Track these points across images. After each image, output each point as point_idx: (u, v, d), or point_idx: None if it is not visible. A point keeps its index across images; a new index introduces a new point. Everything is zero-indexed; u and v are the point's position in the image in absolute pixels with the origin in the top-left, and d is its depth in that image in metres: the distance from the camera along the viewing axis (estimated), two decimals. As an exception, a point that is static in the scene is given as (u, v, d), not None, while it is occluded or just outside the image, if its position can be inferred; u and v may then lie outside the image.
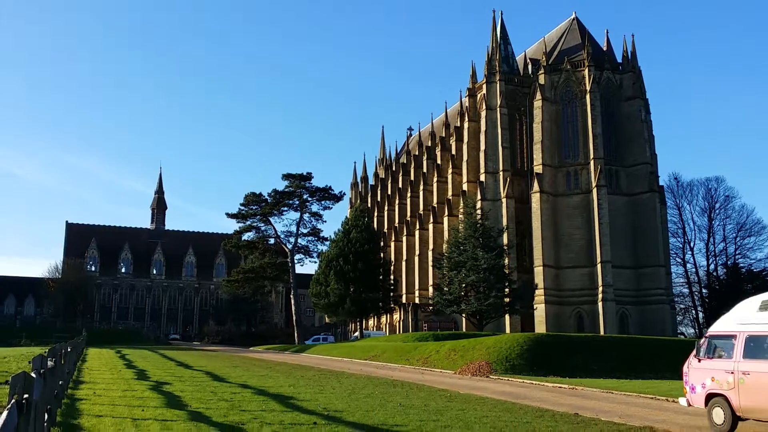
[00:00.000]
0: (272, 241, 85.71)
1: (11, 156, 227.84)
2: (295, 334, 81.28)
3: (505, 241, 68.19)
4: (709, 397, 14.18)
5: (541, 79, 78.90)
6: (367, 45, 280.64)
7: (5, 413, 5.76)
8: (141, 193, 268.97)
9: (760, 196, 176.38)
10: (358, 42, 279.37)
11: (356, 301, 68.12)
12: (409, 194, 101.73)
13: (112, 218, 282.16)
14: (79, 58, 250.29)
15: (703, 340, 15.33)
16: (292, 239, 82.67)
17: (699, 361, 14.90)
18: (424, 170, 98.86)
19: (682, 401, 15.58)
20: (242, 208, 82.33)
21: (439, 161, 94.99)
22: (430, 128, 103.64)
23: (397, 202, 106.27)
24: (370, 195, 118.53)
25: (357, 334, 76.47)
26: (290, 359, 46.13)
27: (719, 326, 14.96)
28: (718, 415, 13.80)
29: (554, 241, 74.65)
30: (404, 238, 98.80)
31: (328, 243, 79.02)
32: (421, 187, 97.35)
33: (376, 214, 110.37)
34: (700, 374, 14.65)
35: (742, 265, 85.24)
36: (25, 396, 6.68)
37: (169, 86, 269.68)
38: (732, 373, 13.63)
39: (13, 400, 6.24)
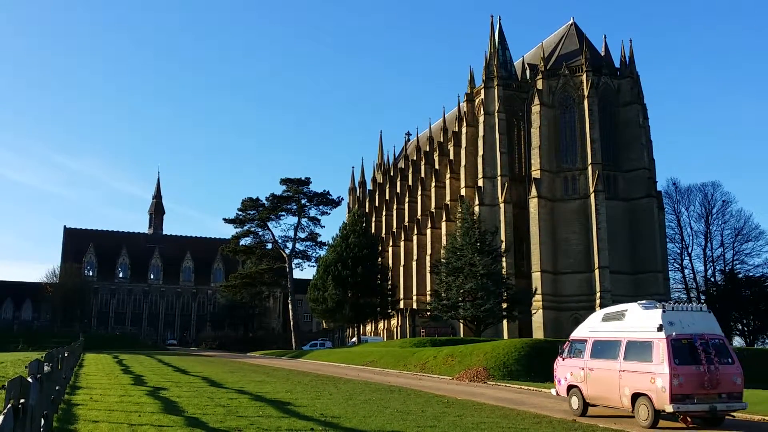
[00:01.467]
0: (270, 246, 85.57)
1: (8, 159, 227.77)
2: (293, 340, 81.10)
3: (503, 246, 68.16)
4: (569, 388, 18.22)
5: (539, 85, 79.03)
6: (365, 50, 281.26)
7: (1, 418, 5.74)
8: (139, 198, 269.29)
9: (758, 200, 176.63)
10: (356, 47, 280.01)
11: (354, 306, 68.01)
12: (407, 199, 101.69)
13: (110, 223, 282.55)
14: (76, 61, 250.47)
15: (566, 343, 19.24)
16: (289, 244, 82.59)
17: (563, 359, 18.84)
18: (422, 175, 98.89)
19: (553, 392, 19.74)
20: (240, 213, 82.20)
21: (437, 166, 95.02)
22: (428, 133, 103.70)
23: (395, 207, 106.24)
24: (368, 200, 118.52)
25: (354, 339, 76.33)
26: (287, 365, 46.01)
27: (577, 332, 19.10)
28: (575, 402, 17.88)
29: (552, 246, 74.65)
30: (402, 244, 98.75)
31: (326, 248, 78.93)
32: (419, 192, 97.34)
33: (374, 219, 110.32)
34: (564, 370, 18.64)
35: (739, 270, 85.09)
36: (21, 401, 6.66)
37: (167, 91, 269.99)
38: (583, 369, 17.66)
39: (9, 405, 6.22)
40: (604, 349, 17.27)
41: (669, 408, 14.95)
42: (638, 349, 16.08)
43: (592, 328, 18.42)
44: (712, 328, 16.18)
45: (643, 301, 17.73)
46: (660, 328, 15.69)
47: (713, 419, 15.81)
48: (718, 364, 15.32)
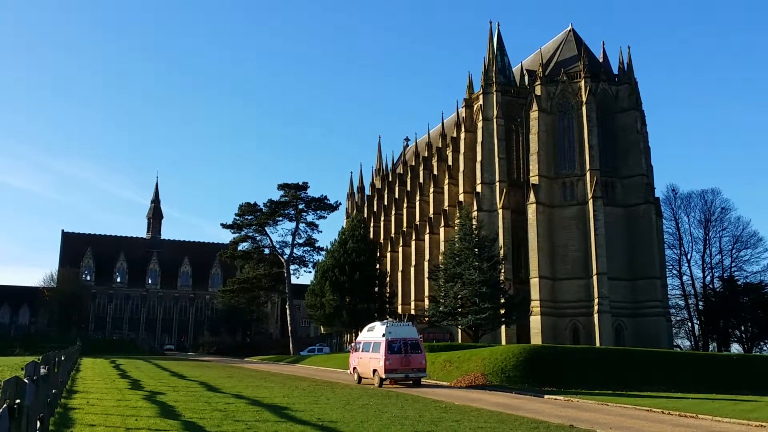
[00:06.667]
0: (268, 251, 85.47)
1: (5, 164, 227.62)
2: (291, 345, 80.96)
3: (501, 252, 68.04)
4: (354, 369, 32.08)
5: (538, 91, 79.05)
6: (364, 55, 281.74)
7: (-3, 418, 5.70)
8: (137, 203, 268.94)
9: (756, 207, 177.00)
10: (354, 52, 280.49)
11: (352, 311, 67.93)
12: (405, 204, 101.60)
13: (108, 227, 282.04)
14: (73, 64, 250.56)
15: (354, 342, 34.13)
16: (287, 249, 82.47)
17: (352, 352, 33.26)
18: (421, 180, 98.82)
19: (348, 371, 34.46)
20: (237, 218, 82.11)
21: (435, 172, 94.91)
22: (426, 138, 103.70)
23: (393, 212, 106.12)
24: (366, 205, 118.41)
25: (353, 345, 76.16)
26: (285, 370, 45.95)
27: (359, 337, 33.66)
28: (356, 376, 31.62)
29: (550, 252, 74.53)
30: (400, 249, 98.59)
31: (323, 253, 78.88)
32: (418, 198, 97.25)
33: (372, 224, 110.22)
34: (352, 359, 32.76)
35: (738, 277, 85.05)
36: (17, 401, 6.61)
37: (165, 95, 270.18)
38: (359, 358, 31.60)
39: (5, 405, 6.17)
40: (366, 346, 31.04)
41: (384, 376, 28.66)
42: (377, 347, 29.59)
43: (364, 335, 32.85)
44: (412, 334, 30.48)
45: (385, 320, 34.06)
46: (383, 335, 29.53)
47: (414, 383, 29.63)
48: (411, 353, 29.20)
